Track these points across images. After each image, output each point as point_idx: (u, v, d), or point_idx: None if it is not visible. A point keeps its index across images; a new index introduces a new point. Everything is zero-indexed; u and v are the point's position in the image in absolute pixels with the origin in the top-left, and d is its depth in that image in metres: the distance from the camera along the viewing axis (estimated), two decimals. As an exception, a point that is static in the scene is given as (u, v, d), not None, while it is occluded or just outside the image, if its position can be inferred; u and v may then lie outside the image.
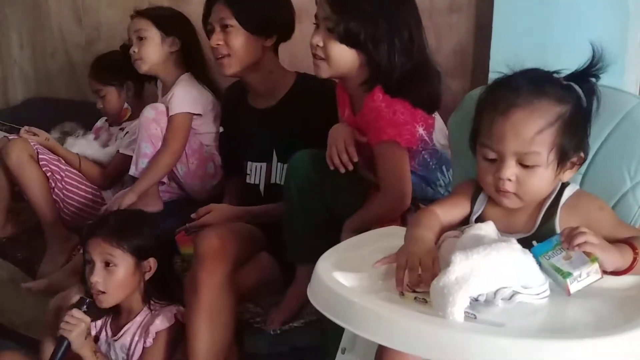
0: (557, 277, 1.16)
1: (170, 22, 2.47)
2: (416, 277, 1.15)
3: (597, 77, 1.30)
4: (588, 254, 1.15)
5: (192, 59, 2.50)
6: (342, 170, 1.80)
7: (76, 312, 1.82)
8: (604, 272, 1.16)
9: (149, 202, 2.40)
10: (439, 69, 1.87)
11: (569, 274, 1.15)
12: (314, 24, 1.81)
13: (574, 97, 1.27)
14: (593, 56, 1.29)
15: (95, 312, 1.88)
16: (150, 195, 2.41)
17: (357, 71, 1.81)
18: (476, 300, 1.10)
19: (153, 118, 2.39)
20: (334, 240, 1.48)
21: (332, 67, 1.81)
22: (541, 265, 1.17)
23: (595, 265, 1.15)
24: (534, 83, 1.25)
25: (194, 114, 2.43)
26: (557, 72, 1.30)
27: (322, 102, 2.15)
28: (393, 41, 1.75)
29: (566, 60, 1.31)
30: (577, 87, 1.29)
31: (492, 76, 2.15)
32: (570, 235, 1.16)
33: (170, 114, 2.39)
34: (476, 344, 1.02)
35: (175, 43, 2.47)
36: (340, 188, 1.86)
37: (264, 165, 2.27)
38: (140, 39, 2.44)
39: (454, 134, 1.54)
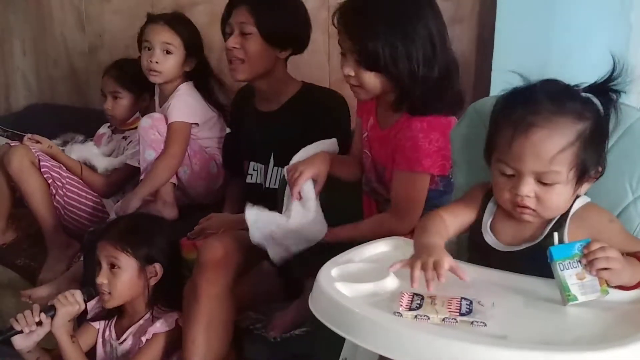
0: (562, 292, 1.16)
1: (194, 43, 2.49)
2: (432, 274, 1.15)
3: (618, 93, 1.28)
4: (601, 282, 1.14)
5: (196, 71, 2.52)
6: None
7: (78, 295, 1.87)
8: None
9: (165, 209, 2.41)
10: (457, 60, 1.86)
11: (575, 299, 1.15)
12: (341, 53, 1.81)
13: (593, 111, 1.25)
14: (613, 69, 1.27)
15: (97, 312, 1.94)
16: (166, 203, 2.42)
17: (387, 92, 1.81)
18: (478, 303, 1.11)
19: (150, 125, 2.41)
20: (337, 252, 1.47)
21: (368, 91, 1.82)
22: (553, 268, 1.16)
23: (604, 296, 1.15)
24: (553, 98, 1.22)
25: (192, 123, 2.45)
26: (576, 85, 1.28)
27: (323, 113, 2.17)
28: (412, 57, 1.73)
29: (568, 72, 1.31)
30: (596, 100, 1.27)
31: (494, 87, 2.19)
32: (594, 256, 1.14)
33: (169, 121, 2.42)
34: (478, 356, 1.01)
35: (192, 63, 2.50)
36: (334, 205, 1.87)
37: (263, 167, 2.30)
38: (167, 52, 2.45)
39: (457, 145, 1.53)
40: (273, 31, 2.16)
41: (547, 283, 1.20)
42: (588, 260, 1.14)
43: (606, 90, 1.28)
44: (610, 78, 1.27)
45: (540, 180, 1.22)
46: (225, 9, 2.26)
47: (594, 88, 1.28)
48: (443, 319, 1.09)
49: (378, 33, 1.72)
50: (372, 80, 1.78)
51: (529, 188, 1.22)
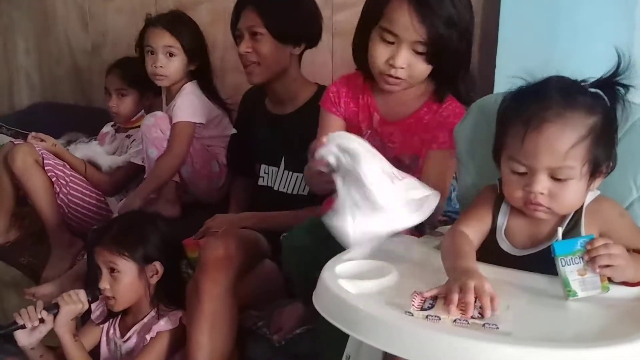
0: (563, 287, 1.16)
1: (194, 45, 2.49)
2: (472, 300, 1.09)
3: (627, 87, 1.26)
4: (602, 278, 1.14)
5: (200, 71, 2.53)
6: None
7: (82, 294, 1.87)
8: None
9: (168, 207, 2.42)
10: None
11: (575, 294, 1.15)
12: (390, 42, 1.67)
13: (603, 106, 1.24)
14: (619, 63, 1.26)
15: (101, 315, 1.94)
16: (169, 201, 2.43)
17: (424, 81, 1.75)
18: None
19: (153, 124, 2.42)
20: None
21: (411, 83, 1.73)
22: (555, 263, 1.16)
23: (604, 292, 1.15)
24: (564, 93, 1.22)
25: (196, 123, 2.45)
26: (584, 80, 1.28)
27: None
28: (467, 50, 1.70)
29: (572, 71, 1.30)
30: (603, 95, 1.26)
31: (498, 87, 2.19)
32: (596, 253, 1.14)
33: (174, 121, 2.42)
34: (482, 352, 1.01)
35: (196, 62, 2.51)
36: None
37: (274, 169, 2.29)
38: (171, 55, 2.46)
39: (461, 142, 1.53)
40: (282, 28, 2.14)
41: (557, 281, 1.19)
42: (590, 257, 1.14)
43: (612, 84, 1.27)
44: (616, 72, 1.26)
45: (554, 177, 1.21)
46: (233, 14, 2.24)
47: (601, 83, 1.27)
48: (454, 320, 1.08)
49: (454, 21, 1.63)
50: (425, 71, 1.70)
51: (542, 185, 1.21)
